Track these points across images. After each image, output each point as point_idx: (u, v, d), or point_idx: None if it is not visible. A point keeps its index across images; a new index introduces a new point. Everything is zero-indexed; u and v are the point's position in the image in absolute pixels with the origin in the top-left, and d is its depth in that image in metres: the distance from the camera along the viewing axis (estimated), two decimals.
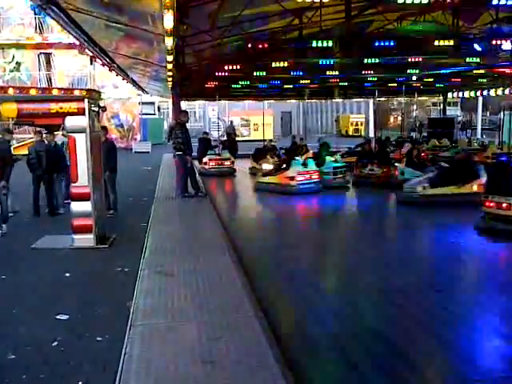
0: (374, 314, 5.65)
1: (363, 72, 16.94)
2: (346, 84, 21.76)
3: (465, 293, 6.39)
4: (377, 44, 11.47)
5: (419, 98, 34.32)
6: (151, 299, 5.37)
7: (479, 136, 33.65)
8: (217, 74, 14.78)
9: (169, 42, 7.21)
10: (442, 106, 29.59)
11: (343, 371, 4.33)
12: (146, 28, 7.58)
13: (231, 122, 31.80)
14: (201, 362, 3.98)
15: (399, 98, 37.25)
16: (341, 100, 38.43)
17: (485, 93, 24.18)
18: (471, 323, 5.43)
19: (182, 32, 8.41)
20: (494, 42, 11.57)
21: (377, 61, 13.80)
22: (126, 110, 30.23)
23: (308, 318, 5.49)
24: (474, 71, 17.40)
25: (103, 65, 14.78)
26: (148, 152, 25.96)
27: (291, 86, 22.19)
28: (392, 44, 11.40)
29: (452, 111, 37.59)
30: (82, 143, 7.57)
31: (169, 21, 5.90)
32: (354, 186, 14.64)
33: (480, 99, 35.69)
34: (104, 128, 10.79)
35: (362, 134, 38.96)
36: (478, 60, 14.16)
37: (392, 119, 53.20)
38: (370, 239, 9.16)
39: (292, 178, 13.26)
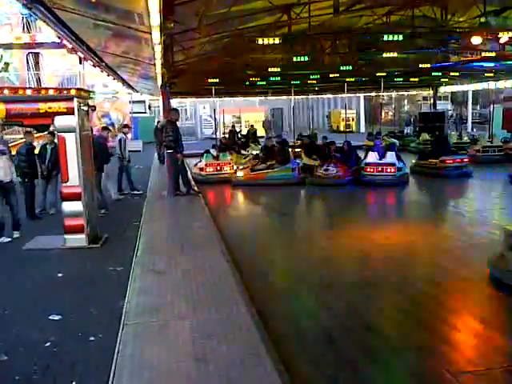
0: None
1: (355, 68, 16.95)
2: (338, 80, 21.78)
3: None
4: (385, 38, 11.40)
5: (410, 93, 34.48)
6: (144, 298, 5.37)
7: (470, 129, 33.84)
8: (207, 71, 14.76)
9: (156, 39, 7.19)
10: (432, 100, 29.66)
11: (337, 367, 4.34)
12: (134, 26, 7.54)
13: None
14: (194, 359, 3.99)
15: (390, 93, 37.37)
16: (332, 96, 38.39)
17: (474, 86, 24.30)
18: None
19: (169, 29, 8.37)
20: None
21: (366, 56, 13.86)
22: (116, 109, 30.14)
23: (301, 314, 5.52)
24: (464, 65, 17.46)
25: (94, 65, 14.72)
26: (139, 151, 25.93)
27: (279, 80, 22.15)
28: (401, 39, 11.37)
29: (442, 105, 37.68)
30: (71, 143, 7.53)
31: (155, 19, 5.88)
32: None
33: (470, 93, 35.88)
34: (107, 128, 10.70)
35: (354, 129, 39.00)
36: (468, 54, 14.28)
37: (383, 114, 53.34)
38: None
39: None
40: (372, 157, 14.43)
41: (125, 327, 4.65)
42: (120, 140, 12.81)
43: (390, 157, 14.36)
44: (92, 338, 4.59)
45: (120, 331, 4.56)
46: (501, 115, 24.16)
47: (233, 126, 21.78)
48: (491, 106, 20.90)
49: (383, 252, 7.82)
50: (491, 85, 22.98)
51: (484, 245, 8.05)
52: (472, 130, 33.37)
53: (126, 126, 14.46)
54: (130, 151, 13.21)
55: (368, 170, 14.06)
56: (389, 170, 13.99)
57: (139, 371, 3.88)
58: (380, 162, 14.22)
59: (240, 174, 14.81)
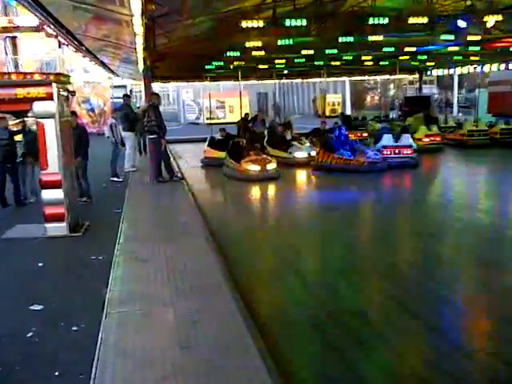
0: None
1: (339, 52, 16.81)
2: (322, 63, 21.63)
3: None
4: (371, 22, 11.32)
5: (396, 77, 34.42)
6: (127, 286, 5.29)
7: (455, 113, 33.99)
8: (189, 54, 14.54)
9: (137, 22, 7.02)
10: (418, 84, 29.67)
11: (323, 351, 4.32)
12: (114, 9, 7.35)
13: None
14: (178, 346, 3.94)
15: (376, 77, 37.32)
16: (317, 80, 38.28)
17: (460, 70, 24.32)
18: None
19: (151, 12, 8.18)
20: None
21: (351, 40, 13.69)
22: (97, 95, 29.64)
23: (287, 301, 5.49)
24: (449, 49, 17.40)
25: (76, 51, 14.41)
26: (122, 136, 25.56)
27: (266, 66, 21.95)
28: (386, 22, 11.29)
29: (428, 89, 37.78)
30: (51, 129, 7.36)
31: (136, 1, 5.72)
32: None
33: (456, 77, 35.98)
34: (74, 113, 10.59)
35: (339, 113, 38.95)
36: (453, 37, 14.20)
37: (369, 98, 53.38)
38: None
39: None
40: (388, 139, 14.65)
41: (108, 316, 4.57)
42: (111, 125, 12.67)
43: (406, 139, 14.71)
44: (75, 328, 4.51)
45: (103, 320, 4.49)
46: (486, 99, 24.28)
47: (246, 114, 21.58)
48: (477, 90, 21.00)
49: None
50: (477, 69, 23.02)
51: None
52: (458, 114, 33.57)
53: (115, 110, 14.26)
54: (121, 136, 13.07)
55: (384, 152, 14.23)
56: (405, 152, 14.32)
57: (123, 359, 3.82)
58: (397, 144, 14.54)
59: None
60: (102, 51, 15.47)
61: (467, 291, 5.78)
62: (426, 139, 17.62)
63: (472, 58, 20.47)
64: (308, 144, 16.06)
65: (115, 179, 12.57)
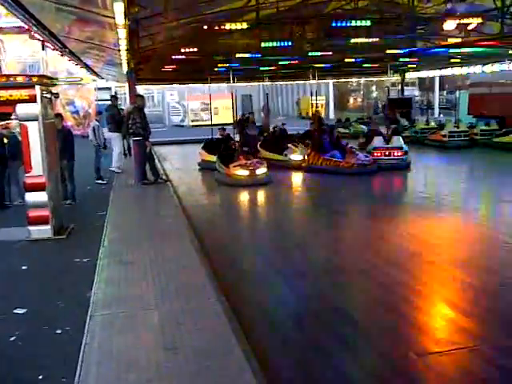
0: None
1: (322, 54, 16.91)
2: (307, 66, 21.73)
3: None
4: (334, 25, 11.44)
5: (378, 79, 34.70)
6: (111, 289, 5.28)
7: (437, 115, 34.36)
8: (173, 57, 14.53)
9: (120, 24, 7.02)
10: (400, 86, 29.93)
11: (308, 352, 4.36)
12: (97, 11, 7.33)
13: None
14: (163, 349, 3.95)
15: (358, 79, 37.57)
16: (301, 82, 38.41)
17: (441, 72, 24.58)
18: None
19: (134, 14, 8.18)
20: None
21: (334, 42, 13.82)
22: (81, 97, 29.42)
23: (272, 301, 5.53)
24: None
25: (57, 52, 14.30)
26: (105, 139, 25.40)
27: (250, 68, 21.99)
28: (350, 24, 11.39)
29: (410, 91, 38.13)
30: (34, 131, 7.32)
31: (119, 3, 5.72)
32: None
33: (437, 79, 36.37)
34: (59, 115, 10.56)
35: (323, 115, 39.12)
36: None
37: (352, 100, 53.71)
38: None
39: None
40: (379, 141, 14.67)
41: (92, 318, 4.56)
42: (93, 127, 12.63)
43: (397, 141, 14.69)
44: (59, 331, 4.50)
45: (87, 323, 4.48)
46: (467, 101, 24.60)
47: (243, 115, 21.54)
48: (457, 91, 21.24)
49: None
50: (457, 71, 23.28)
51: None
52: (439, 115, 33.93)
53: (99, 112, 14.22)
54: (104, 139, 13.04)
55: (375, 154, 14.21)
56: (396, 154, 14.29)
57: (107, 362, 3.82)
58: (387, 146, 14.51)
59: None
60: (85, 53, 15.38)
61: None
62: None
63: (453, 60, 20.74)
64: (303, 146, 15.69)
65: (100, 181, 12.53)
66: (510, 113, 19.97)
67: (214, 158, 14.03)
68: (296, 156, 15.05)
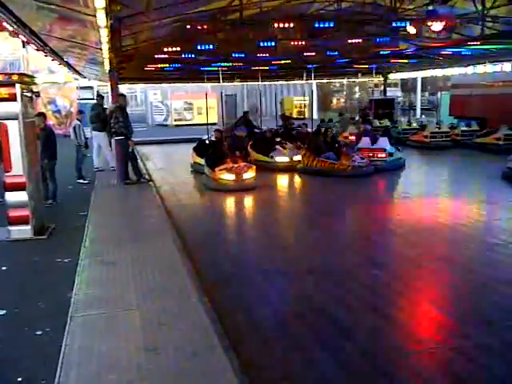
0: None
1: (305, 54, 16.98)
2: (290, 66, 21.80)
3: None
4: (317, 25, 11.48)
5: (361, 80, 34.91)
6: (93, 289, 5.25)
7: (418, 116, 34.67)
8: (156, 56, 14.46)
9: (102, 23, 6.96)
10: (382, 87, 30.18)
11: (289, 352, 4.37)
12: (78, 9, 7.26)
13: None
14: (144, 349, 3.94)
15: (342, 80, 37.76)
16: (285, 82, 38.51)
17: (424, 74, 24.82)
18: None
19: (116, 12, 8.11)
20: (429, 24, 11.82)
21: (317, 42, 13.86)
22: (63, 96, 29.10)
23: (253, 301, 5.53)
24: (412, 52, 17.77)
25: (38, 50, 14.11)
26: (87, 138, 25.18)
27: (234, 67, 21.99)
28: (332, 25, 11.45)
29: (392, 92, 38.43)
30: (14, 130, 7.23)
31: (100, 1, 5.68)
32: None
33: (419, 80, 36.69)
34: (42, 114, 10.46)
35: (306, 116, 39.26)
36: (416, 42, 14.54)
37: (335, 101, 53.94)
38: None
39: None
40: (365, 142, 14.58)
41: (73, 319, 4.53)
42: (74, 127, 12.52)
43: (382, 142, 14.53)
44: (39, 332, 4.45)
45: (68, 324, 4.44)
46: (448, 102, 24.89)
47: (245, 113, 21.49)
48: (439, 93, 21.47)
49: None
50: (439, 72, 23.54)
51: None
52: (421, 116, 34.25)
53: (80, 111, 14.09)
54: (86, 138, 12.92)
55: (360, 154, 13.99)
56: (379, 156, 14.08)
57: (88, 363, 3.79)
58: (372, 147, 14.35)
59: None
60: (67, 52, 15.21)
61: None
62: (352, 137, 17.61)
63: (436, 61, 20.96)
64: (292, 147, 15.31)
65: (81, 181, 12.42)
66: (491, 114, 20.26)
67: (202, 161, 13.64)
68: (282, 158, 14.71)
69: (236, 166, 12.13)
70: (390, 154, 14.32)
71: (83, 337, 4.21)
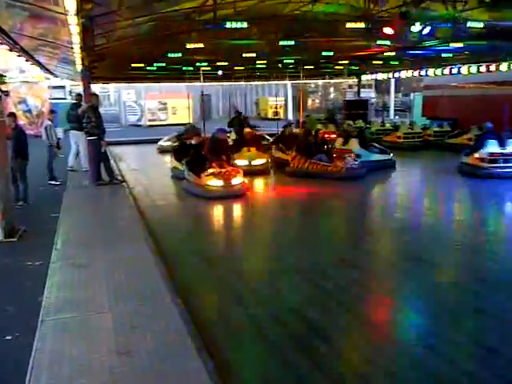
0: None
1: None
2: (265, 66, 21.87)
3: None
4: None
5: (335, 81, 35.24)
6: (64, 292, 5.16)
7: (392, 117, 35.12)
8: (130, 56, 14.33)
9: (73, 21, 6.86)
10: (357, 88, 30.48)
11: (264, 352, 4.36)
12: (49, 7, 7.14)
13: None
14: (116, 352, 3.89)
15: (317, 81, 38.01)
16: (260, 82, 38.57)
17: (396, 75, 25.14)
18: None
19: (88, 11, 8.00)
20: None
21: (292, 43, 13.89)
22: (34, 95, 28.58)
23: (226, 301, 5.51)
24: (385, 54, 17.99)
25: (9, 49, 13.85)
26: (59, 138, 24.79)
27: (210, 68, 21.99)
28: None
29: (367, 93, 38.85)
30: None
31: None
32: None
33: (392, 81, 37.17)
34: (13, 114, 10.26)
35: (281, 116, 39.40)
36: (389, 43, 14.69)
37: (310, 102, 54.26)
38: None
39: None
40: (339, 143, 14.52)
41: (43, 323, 4.45)
42: (46, 127, 12.29)
43: (352, 143, 14.33)
44: (9, 337, 4.36)
45: (39, 328, 4.36)
46: (421, 103, 25.27)
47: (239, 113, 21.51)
48: (412, 94, 21.76)
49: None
50: (412, 74, 23.86)
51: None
52: (394, 117, 34.71)
53: (52, 111, 13.83)
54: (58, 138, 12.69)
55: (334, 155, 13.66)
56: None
57: (59, 368, 3.72)
58: (344, 148, 14.20)
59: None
60: (38, 51, 14.97)
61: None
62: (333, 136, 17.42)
63: (408, 63, 21.29)
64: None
65: (53, 182, 12.21)
66: (462, 115, 20.63)
67: (180, 166, 12.82)
68: (258, 161, 14.18)
69: (224, 170, 11.20)
70: (358, 156, 13.77)
71: (54, 341, 4.14)
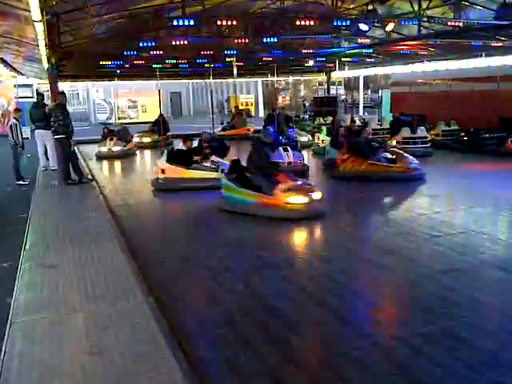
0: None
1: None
2: (239, 64, 21.86)
3: None
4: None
5: (306, 78, 35.43)
6: (33, 294, 5.07)
7: (361, 113, 35.53)
8: (98, 53, 14.15)
9: (37, 18, 6.72)
10: (326, 85, 30.74)
11: (237, 348, 4.37)
12: (11, 3, 7.00)
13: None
14: (88, 353, 3.84)
15: (287, 78, 38.17)
16: (231, 80, 38.54)
17: (366, 72, 25.47)
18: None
19: (52, 7, 7.86)
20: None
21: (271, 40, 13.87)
22: None
23: (200, 299, 5.51)
24: (355, 50, 18.22)
25: None
26: (27, 138, 24.30)
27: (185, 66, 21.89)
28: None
29: (336, 90, 39.20)
30: None
31: None
32: None
33: (361, 78, 37.61)
34: None
35: (252, 114, 39.44)
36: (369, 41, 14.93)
37: (280, 99, 54.44)
38: None
39: None
40: None
41: (12, 325, 4.36)
42: (11, 126, 12.03)
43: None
44: None
45: (7, 330, 4.28)
46: (389, 99, 25.62)
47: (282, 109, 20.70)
48: (380, 90, 22.03)
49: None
50: (380, 70, 24.22)
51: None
52: (363, 113, 35.12)
53: (17, 110, 13.54)
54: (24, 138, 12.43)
55: None
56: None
57: (28, 370, 3.66)
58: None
59: None
60: (3, 48, 14.66)
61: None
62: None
63: (375, 59, 21.58)
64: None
65: (21, 182, 11.98)
66: (429, 110, 20.99)
67: (185, 173, 11.29)
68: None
69: (300, 182, 9.02)
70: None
71: (24, 342, 4.07)
